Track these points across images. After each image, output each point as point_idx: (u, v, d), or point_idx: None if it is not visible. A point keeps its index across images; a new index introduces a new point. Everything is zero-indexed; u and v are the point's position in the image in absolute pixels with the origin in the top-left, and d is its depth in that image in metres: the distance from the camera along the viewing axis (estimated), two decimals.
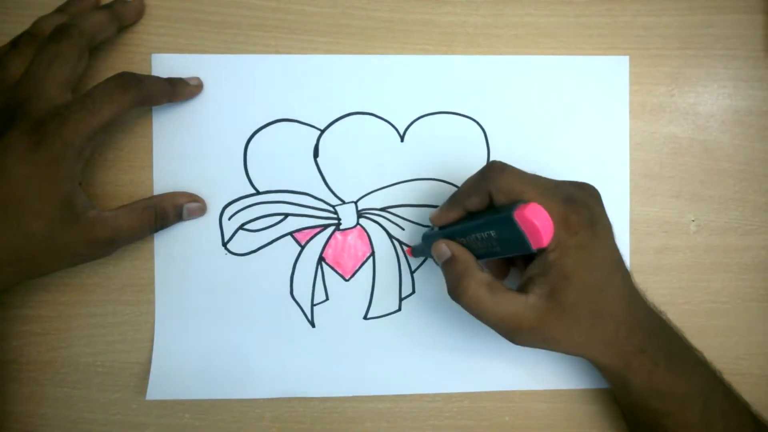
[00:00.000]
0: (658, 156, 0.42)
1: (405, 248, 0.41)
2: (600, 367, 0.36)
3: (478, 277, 0.33)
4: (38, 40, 0.36)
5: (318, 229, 0.41)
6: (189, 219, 0.40)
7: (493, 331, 0.34)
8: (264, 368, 0.40)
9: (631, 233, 0.42)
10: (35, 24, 0.37)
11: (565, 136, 0.41)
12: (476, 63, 0.41)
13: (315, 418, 0.41)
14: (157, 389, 0.40)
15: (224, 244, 0.40)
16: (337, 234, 0.41)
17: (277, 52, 0.41)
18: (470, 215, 0.34)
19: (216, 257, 0.40)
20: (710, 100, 0.42)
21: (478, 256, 0.34)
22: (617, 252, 0.34)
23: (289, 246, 0.41)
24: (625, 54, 0.42)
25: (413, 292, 0.41)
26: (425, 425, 0.41)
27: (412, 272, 0.41)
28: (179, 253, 0.40)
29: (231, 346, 0.40)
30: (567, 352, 0.35)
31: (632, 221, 0.42)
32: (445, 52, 0.41)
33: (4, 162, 0.32)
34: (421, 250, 0.39)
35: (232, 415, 0.41)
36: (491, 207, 0.33)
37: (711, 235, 0.42)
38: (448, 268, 0.34)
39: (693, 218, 0.42)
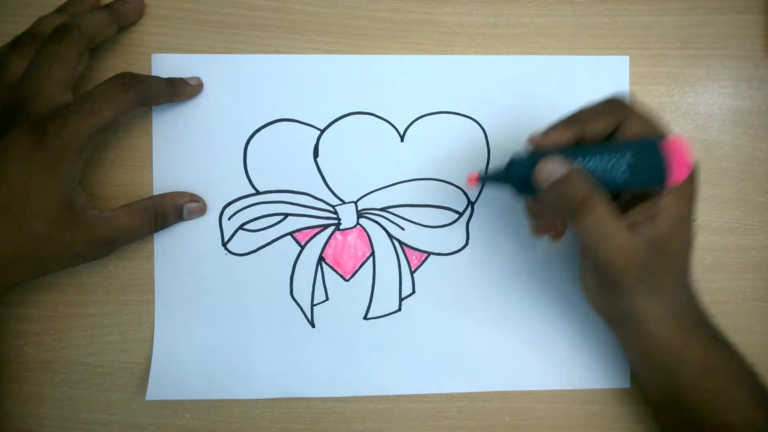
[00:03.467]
0: None
1: (468, 176, 0.35)
2: (654, 349, 0.33)
3: (606, 198, 0.29)
4: (39, 40, 0.36)
5: (318, 229, 0.41)
6: (189, 219, 0.40)
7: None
8: (264, 368, 0.40)
9: None
10: (36, 24, 0.37)
11: None
12: (476, 63, 0.41)
13: (315, 418, 0.41)
14: (157, 389, 0.40)
15: (224, 244, 0.40)
16: (337, 234, 0.41)
17: (277, 52, 0.41)
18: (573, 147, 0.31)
19: (216, 257, 0.40)
20: (710, 100, 0.42)
21: None
22: None
23: (289, 246, 0.41)
24: (625, 54, 0.42)
25: (413, 292, 0.41)
26: (425, 425, 0.41)
27: (412, 272, 0.41)
28: (179, 253, 0.40)
29: (231, 346, 0.40)
30: (636, 325, 0.32)
31: None
32: (445, 52, 0.41)
33: (4, 162, 0.32)
34: (497, 175, 0.33)
35: (232, 415, 0.41)
36: (608, 138, 0.31)
37: (711, 235, 0.42)
38: (562, 188, 0.29)
39: (693, 218, 0.42)
